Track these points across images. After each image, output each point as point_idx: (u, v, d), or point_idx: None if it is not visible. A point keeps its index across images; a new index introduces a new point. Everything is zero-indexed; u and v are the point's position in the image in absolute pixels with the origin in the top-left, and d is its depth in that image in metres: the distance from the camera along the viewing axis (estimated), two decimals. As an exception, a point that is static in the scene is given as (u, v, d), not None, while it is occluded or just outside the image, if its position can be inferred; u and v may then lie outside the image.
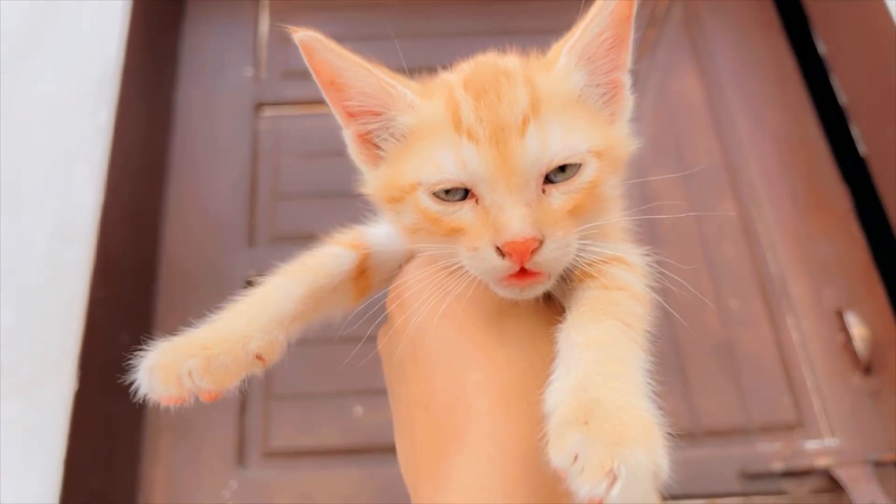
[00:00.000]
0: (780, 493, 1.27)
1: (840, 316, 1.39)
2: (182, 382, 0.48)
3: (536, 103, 0.47)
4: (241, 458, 1.27)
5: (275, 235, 1.48)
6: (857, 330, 1.36)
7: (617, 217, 0.56)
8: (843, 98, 1.54)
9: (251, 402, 1.31)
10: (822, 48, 1.61)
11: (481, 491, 0.43)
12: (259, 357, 0.52)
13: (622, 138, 0.53)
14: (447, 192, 0.48)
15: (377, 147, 0.54)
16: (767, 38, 1.70)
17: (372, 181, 0.55)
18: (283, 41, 1.70)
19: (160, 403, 0.48)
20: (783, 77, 1.65)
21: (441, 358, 0.51)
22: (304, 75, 1.82)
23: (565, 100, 0.50)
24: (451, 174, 0.47)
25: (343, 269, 0.60)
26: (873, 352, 1.35)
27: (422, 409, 0.50)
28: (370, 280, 0.62)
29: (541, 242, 0.45)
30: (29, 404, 1.11)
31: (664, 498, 0.38)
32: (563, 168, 0.47)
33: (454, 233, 0.48)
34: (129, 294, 1.35)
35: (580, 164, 0.48)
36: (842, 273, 1.44)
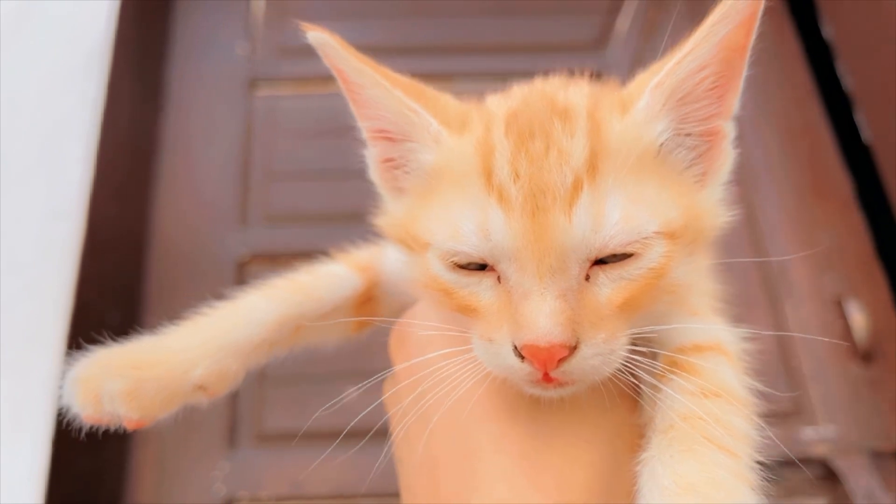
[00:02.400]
0: (775, 480, 1.26)
1: (839, 304, 1.38)
2: (102, 404, 0.42)
3: (596, 160, 0.36)
4: (232, 440, 1.25)
5: (268, 215, 1.45)
6: (857, 318, 1.35)
7: (706, 286, 0.45)
8: (848, 83, 1.51)
9: (244, 383, 1.29)
10: (828, 32, 1.59)
11: None
12: (202, 388, 0.46)
13: (710, 208, 0.41)
14: None
15: (401, 176, 0.45)
16: (773, 21, 1.67)
17: (388, 214, 0.45)
18: (278, 17, 1.67)
19: (81, 419, 0.42)
20: (788, 62, 1.63)
21: (450, 411, 0.40)
22: (299, 53, 1.78)
23: (638, 156, 0.37)
24: (470, 246, 0.37)
25: (339, 295, 0.51)
26: (872, 340, 1.34)
27: (426, 476, 0.42)
28: (376, 311, 0.53)
29: (573, 349, 0.34)
30: (17, 383, 1.10)
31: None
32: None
33: (467, 311, 0.38)
34: (120, 272, 1.33)
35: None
36: (842, 261, 1.43)
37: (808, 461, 1.25)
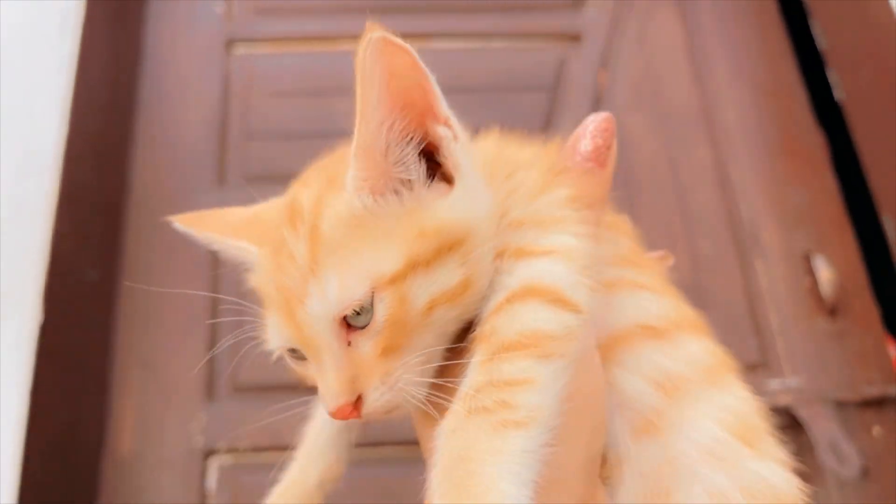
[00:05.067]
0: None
1: (807, 259, 1.40)
2: None
3: (316, 253, 0.42)
4: (210, 391, 1.28)
5: (246, 175, 1.46)
6: (824, 273, 1.37)
7: (554, 202, 0.47)
8: (821, 43, 1.52)
9: (220, 335, 1.31)
10: (803, -8, 1.59)
11: None
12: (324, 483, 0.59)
13: (455, 210, 0.43)
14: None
15: None
16: (750, -19, 1.67)
17: None
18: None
19: None
20: (764, 22, 1.63)
21: None
22: (277, 12, 1.76)
23: (348, 229, 0.43)
24: (275, 345, 0.46)
25: None
26: (839, 295, 1.37)
27: None
28: None
29: (359, 400, 0.42)
30: (-6, 337, 1.11)
31: None
32: (358, 311, 0.41)
33: (307, 383, 0.48)
34: (97, 229, 1.34)
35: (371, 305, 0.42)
36: (812, 218, 1.45)
37: (772, 410, 1.29)
